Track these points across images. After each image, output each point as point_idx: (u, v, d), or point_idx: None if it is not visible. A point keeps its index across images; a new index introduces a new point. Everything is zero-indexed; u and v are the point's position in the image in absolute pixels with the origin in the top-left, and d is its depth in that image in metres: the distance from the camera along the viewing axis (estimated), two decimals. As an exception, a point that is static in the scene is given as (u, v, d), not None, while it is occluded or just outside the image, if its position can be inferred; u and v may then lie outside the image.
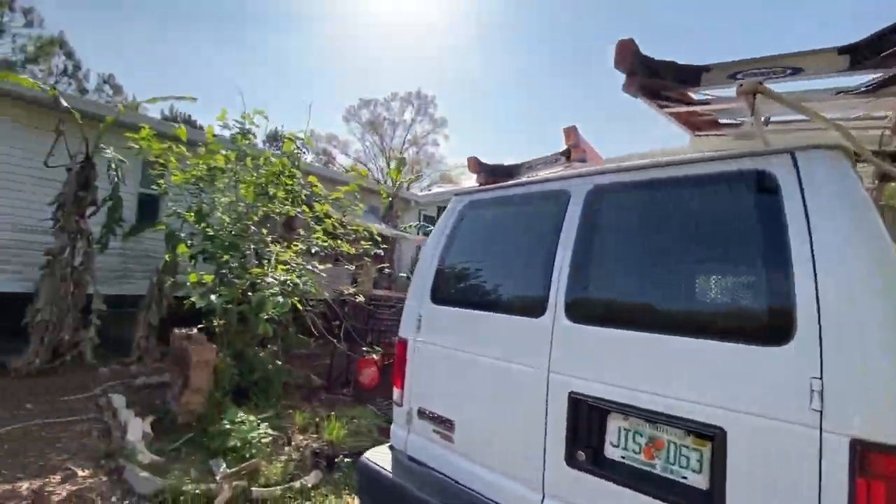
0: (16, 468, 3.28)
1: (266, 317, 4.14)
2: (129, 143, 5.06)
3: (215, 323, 4.89)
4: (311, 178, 5.25)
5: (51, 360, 5.71)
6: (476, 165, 3.01)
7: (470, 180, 3.23)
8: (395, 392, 2.49)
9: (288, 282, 3.90)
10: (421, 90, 42.67)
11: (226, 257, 4.04)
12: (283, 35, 48.42)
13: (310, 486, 3.31)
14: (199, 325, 5.00)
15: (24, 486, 3.09)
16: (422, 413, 2.27)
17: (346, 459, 3.58)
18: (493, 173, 3.00)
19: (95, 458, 3.57)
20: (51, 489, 3.07)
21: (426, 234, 9.86)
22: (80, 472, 3.31)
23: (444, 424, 2.14)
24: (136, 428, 3.99)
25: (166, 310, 6.88)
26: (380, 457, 2.35)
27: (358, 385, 6.13)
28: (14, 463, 3.36)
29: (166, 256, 5.01)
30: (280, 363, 5.05)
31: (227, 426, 3.82)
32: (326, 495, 3.27)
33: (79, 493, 3.06)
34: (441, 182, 41.08)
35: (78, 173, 5.99)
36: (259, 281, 3.98)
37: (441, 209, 12.57)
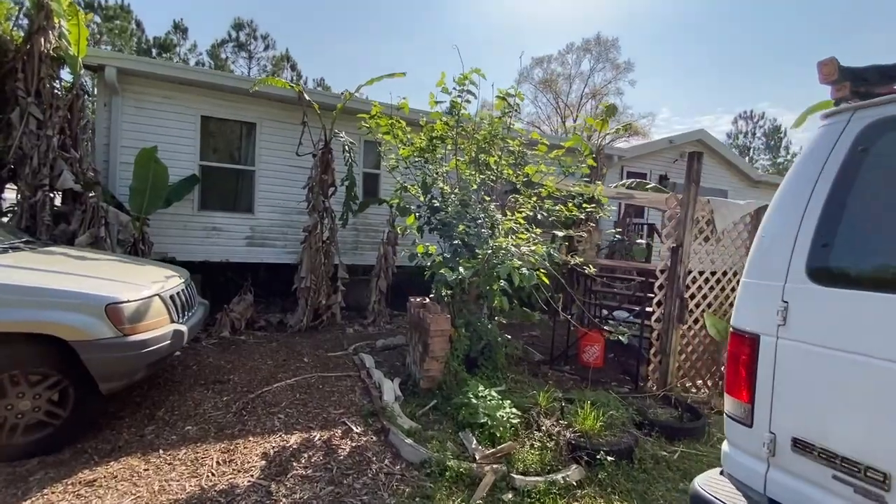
0: (308, 419, 3.77)
1: (498, 288, 3.88)
2: (357, 124, 5.37)
3: (444, 293, 4.92)
4: (534, 135, 4.75)
5: (313, 320, 6.77)
6: (836, 71, 1.97)
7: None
8: (733, 404, 1.80)
9: (532, 252, 3.52)
10: (601, 34, 38.48)
11: (461, 227, 3.88)
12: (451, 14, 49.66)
13: (574, 482, 2.92)
14: (430, 295, 5.10)
15: (317, 436, 3.49)
16: (803, 446, 1.54)
17: (608, 457, 3.08)
18: (868, 80, 1.93)
19: (363, 415, 3.87)
20: (336, 443, 3.38)
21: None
22: (355, 429, 3.60)
23: (863, 475, 1.37)
24: (389, 390, 4.26)
25: (392, 278, 7.52)
26: (720, 489, 1.72)
27: (579, 362, 5.61)
28: (305, 413, 3.87)
29: (397, 229, 5.23)
30: (506, 336, 4.85)
31: (472, 399, 3.72)
32: (595, 497, 2.83)
33: (358, 450, 3.29)
34: (627, 135, 36.85)
35: (320, 158, 6.80)
36: (491, 252, 3.70)
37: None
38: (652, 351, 4.64)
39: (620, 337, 3.92)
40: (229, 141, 7.43)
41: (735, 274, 4.92)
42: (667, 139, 11.09)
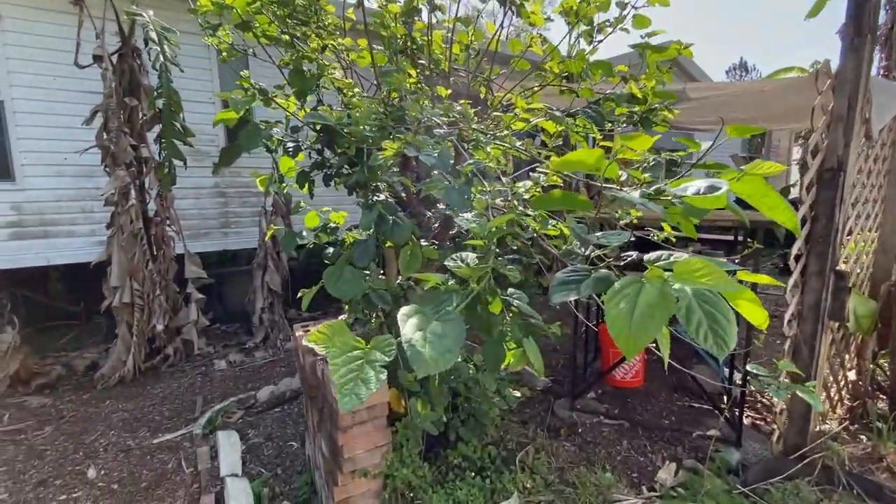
0: None
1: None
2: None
3: (374, 317, 2.35)
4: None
5: (150, 357, 3.92)
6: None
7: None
8: None
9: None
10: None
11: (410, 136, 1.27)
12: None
13: None
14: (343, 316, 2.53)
15: None
16: None
17: None
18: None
19: None
20: None
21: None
22: None
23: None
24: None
25: (287, 268, 4.77)
26: None
27: (605, 381, 3.41)
28: None
29: (281, 189, 2.49)
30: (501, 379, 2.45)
31: None
32: None
33: None
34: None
35: (118, 67, 3.71)
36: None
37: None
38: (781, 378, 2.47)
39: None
40: (-62, 47, 3.99)
41: (881, 210, 2.84)
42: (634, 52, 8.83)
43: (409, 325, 0.69)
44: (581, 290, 0.72)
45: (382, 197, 1.62)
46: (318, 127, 2.21)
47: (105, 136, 3.65)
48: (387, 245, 1.55)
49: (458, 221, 0.93)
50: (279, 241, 2.34)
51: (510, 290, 1.50)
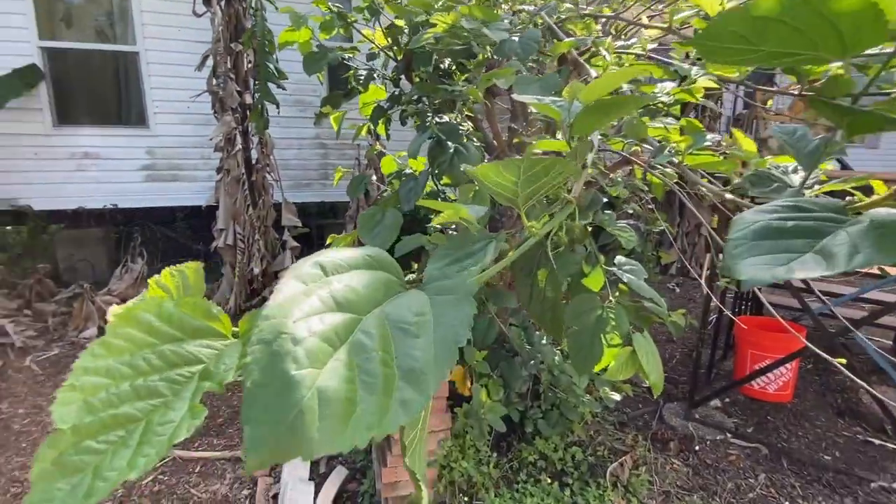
0: None
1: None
2: None
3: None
4: None
5: (249, 298, 4.14)
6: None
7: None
8: None
9: None
10: None
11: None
12: None
13: None
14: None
15: None
16: None
17: None
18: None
19: None
20: None
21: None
22: None
23: None
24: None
25: (378, 221, 4.65)
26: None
27: (739, 389, 2.68)
28: None
29: (360, 131, 2.29)
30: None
31: None
32: None
33: None
34: None
35: (224, 12, 3.74)
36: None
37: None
38: None
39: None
40: (90, 3, 4.44)
41: None
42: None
43: (301, 304, 0.26)
44: (838, 259, 0.23)
45: (446, 119, 1.22)
46: (399, 56, 1.91)
47: (214, 82, 3.75)
48: (442, 182, 1.17)
49: (515, 97, 0.51)
50: (347, 188, 2.11)
51: (620, 259, 1.03)
